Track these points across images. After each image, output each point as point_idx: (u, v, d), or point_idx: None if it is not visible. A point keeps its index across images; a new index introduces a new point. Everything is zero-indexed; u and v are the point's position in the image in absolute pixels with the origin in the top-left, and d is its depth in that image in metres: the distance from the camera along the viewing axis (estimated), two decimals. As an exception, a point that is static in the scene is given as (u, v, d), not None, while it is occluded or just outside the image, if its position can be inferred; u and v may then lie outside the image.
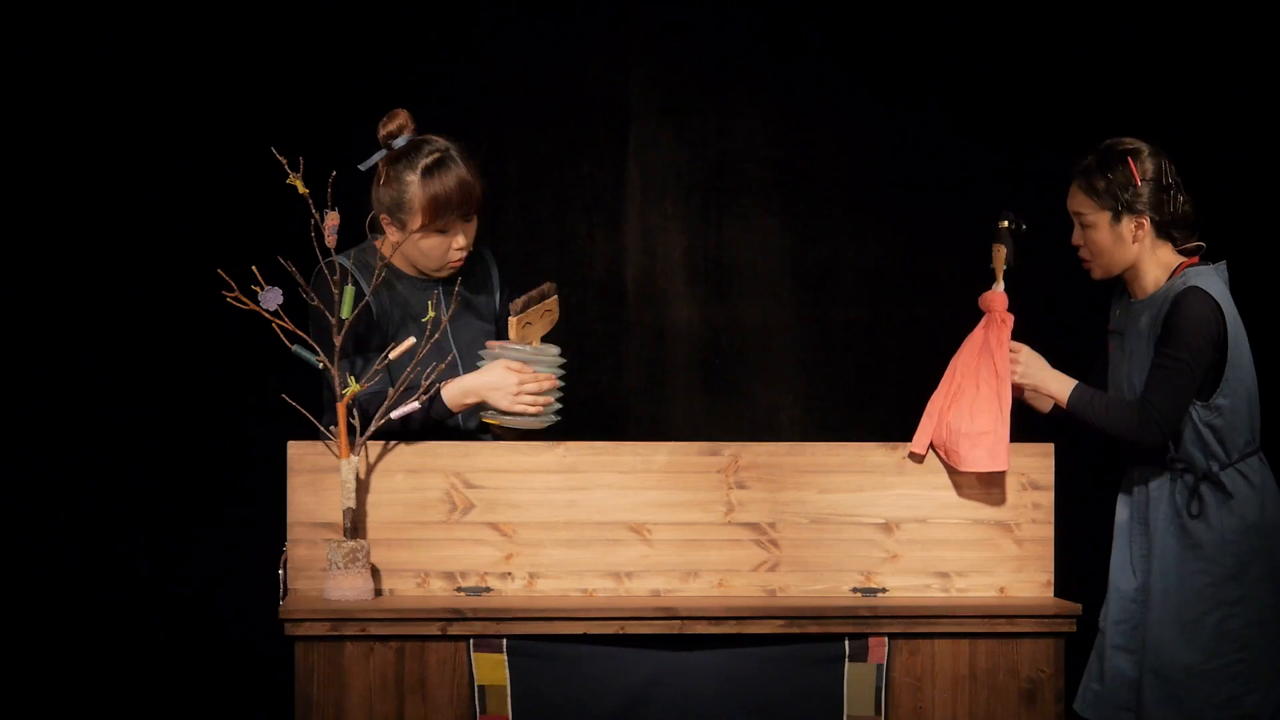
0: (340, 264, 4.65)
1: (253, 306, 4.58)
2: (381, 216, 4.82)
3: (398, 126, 4.81)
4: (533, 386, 4.69)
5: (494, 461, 4.65)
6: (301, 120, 6.12)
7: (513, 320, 4.73)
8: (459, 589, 4.63)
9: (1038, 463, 4.72)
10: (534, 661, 4.49)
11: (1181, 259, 4.95)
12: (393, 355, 4.63)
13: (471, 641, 4.49)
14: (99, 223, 6.13)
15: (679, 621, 4.51)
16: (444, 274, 4.86)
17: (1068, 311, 5.41)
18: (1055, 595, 4.73)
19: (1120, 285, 5.05)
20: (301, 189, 4.65)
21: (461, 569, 4.64)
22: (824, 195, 6.42)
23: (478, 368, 4.75)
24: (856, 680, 4.54)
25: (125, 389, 6.15)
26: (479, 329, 4.93)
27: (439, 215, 4.76)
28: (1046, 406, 4.93)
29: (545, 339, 4.82)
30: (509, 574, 4.64)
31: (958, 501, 4.70)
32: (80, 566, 6.13)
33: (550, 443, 4.69)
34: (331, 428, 4.61)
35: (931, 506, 4.70)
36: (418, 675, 4.49)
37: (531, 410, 4.69)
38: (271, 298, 4.57)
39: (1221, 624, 4.84)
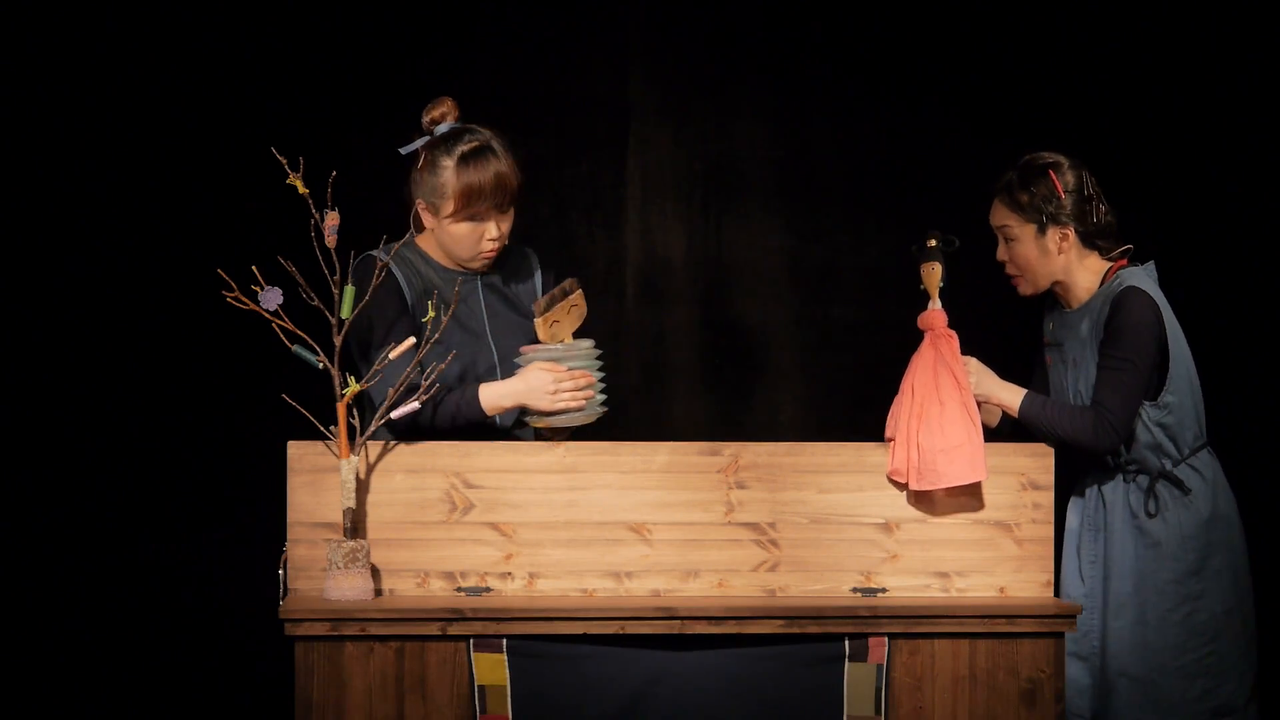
0: (378, 257, 4.68)
1: (253, 306, 4.58)
2: (418, 202, 4.82)
3: (441, 113, 4.82)
4: (569, 384, 4.68)
5: (494, 461, 4.65)
6: (301, 120, 6.12)
7: (539, 321, 4.72)
8: (459, 589, 4.63)
9: (1038, 463, 4.72)
10: (534, 661, 4.49)
11: (1110, 264, 4.99)
12: (393, 355, 4.63)
13: (471, 641, 4.49)
14: (99, 223, 6.13)
15: (679, 621, 4.51)
16: (477, 265, 4.86)
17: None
18: (1055, 595, 4.73)
19: (1050, 298, 5.09)
20: (301, 189, 4.65)
21: (461, 569, 4.64)
22: (824, 195, 6.42)
23: (516, 366, 4.74)
24: (856, 680, 4.54)
25: (125, 389, 6.15)
26: (519, 325, 4.93)
27: (471, 202, 4.76)
28: (994, 419, 4.94)
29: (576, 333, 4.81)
30: (509, 574, 4.64)
31: (958, 501, 4.70)
32: (80, 566, 6.13)
33: (550, 443, 4.69)
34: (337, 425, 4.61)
35: (932, 506, 4.70)
36: (418, 675, 4.49)
37: (573, 406, 4.68)
38: (271, 298, 4.57)
39: (1188, 619, 4.89)
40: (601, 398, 4.73)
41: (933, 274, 4.87)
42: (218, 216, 6.13)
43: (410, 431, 4.67)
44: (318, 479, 4.63)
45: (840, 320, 6.43)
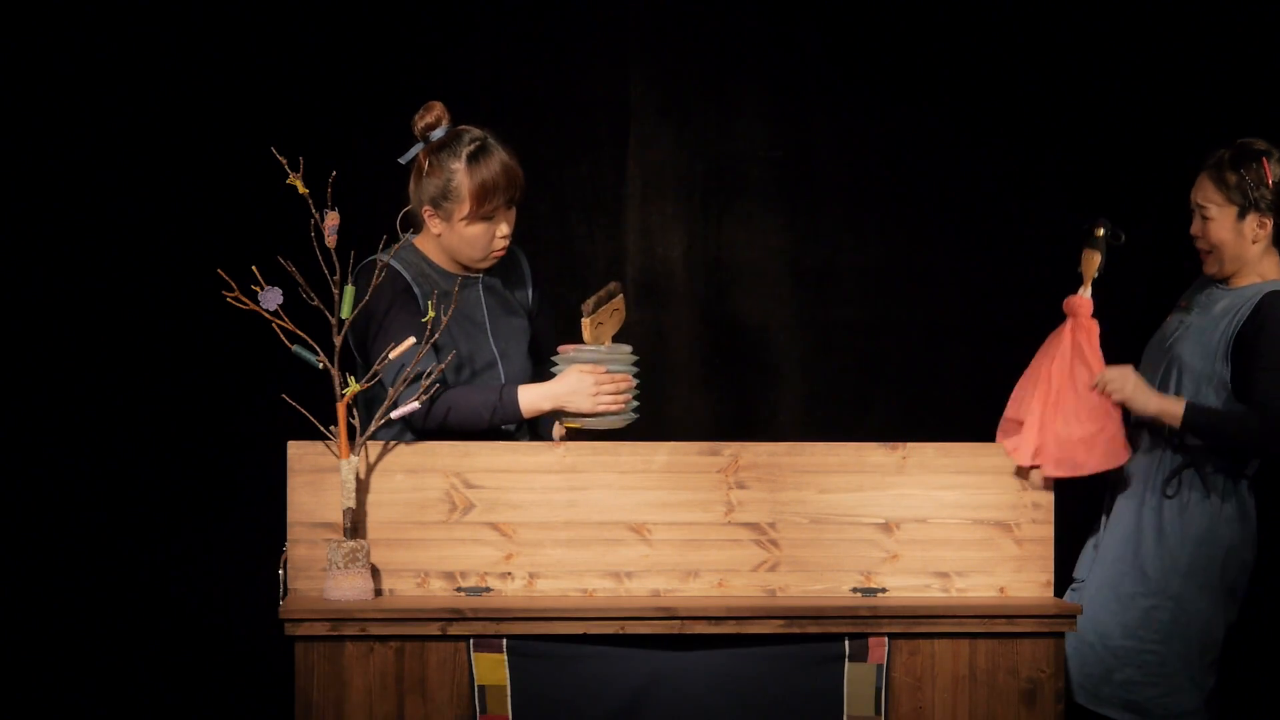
0: (390, 262, 4.68)
1: (253, 306, 4.58)
2: (424, 209, 4.81)
3: (435, 118, 4.82)
4: (610, 386, 4.69)
5: (494, 461, 4.65)
6: (301, 120, 6.12)
7: (586, 322, 4.73)
8: (459, 589, 4.63)
9: (1038, 463, 4.72)
10: (534, 661, 4.49)
11: None
12: (392, 355, 4.63)
13: (471, 641, 4.49)
14: (99, 223, 6.13)
15: (679, 621, 4.51)
16: (485, 265, 4.86)
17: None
18: (1055, 595, 4.73)
19: (1202, 277, 5.11)
20: (301, 189, 4.65)
21: (461, 569, 4.64)
22: (824, 195, 6.42)
23: (554, 371, 4.74)
24: (856, 680, 4.54)
25: (125, 389, 6.15)
26: (518, 326, 4.93)
27: (486, 200, 4.76)
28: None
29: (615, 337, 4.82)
30: (509, 574, 4.64)
31: (958, 501, 4.70)
32: (80, 566, 6.13)
33: (550, 443, 4.69)
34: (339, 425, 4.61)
35: (931, 506, 4.70)
36: (418, 675, 4.49)
37: (614, 408, 4.69)
38: (271, 298, 4.57)
39: (1150, 612, 4.90)
40: (635, 404, 4.75)
41: (1091, 261, 4.89)
42: (218, 216, 6.13)
43: (440, 432, 4.66)
44: (318, 479, 4.63)
45: (840, 320, 6.43)
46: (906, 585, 4.69)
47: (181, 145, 6.15)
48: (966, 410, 6.26)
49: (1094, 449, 4.69)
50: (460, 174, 4.77)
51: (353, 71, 6.21)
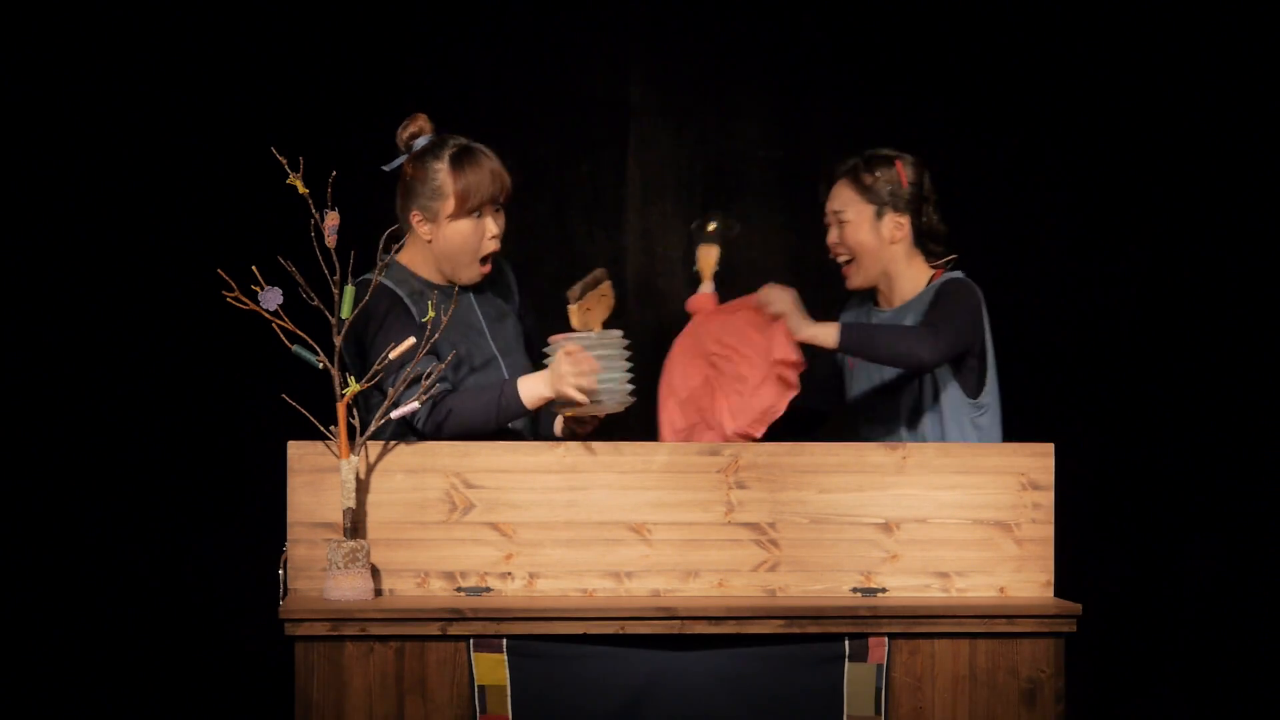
0: (387, 284, 4.69)
1: (253, 306, 4.58)
2: (412, 215, 4.83)
3: (418, 128, 4.85)
4: (585, 365, 4.63)
5: (494, 461, 4.65)
6: (301, 120, 6.12)
7: (573, 308, 4.73)
8: (459, 589, 4.63)
9: (1038, 463, 4.72)
10: (534, 661, 4.49)
11: (934, 270, 5.10)
12: (393, 355, 4.63)
13: (471, 641, 4.49)
14: (99, 223, 6.13)
15: (679, 621, 4.51)
16: (475, 275, 4.86)
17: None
18: (1055, 595, 4.73)
19: (858, 300, 5.14)
20: (301, 189, 4.65)
21: (461, 569, 4.64)
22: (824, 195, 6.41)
23: (545, 361, 4.73)
24: (856, 680, 4.54)
25: (126, 389, 6.15)
26: (513, 327, 4.95)
27: (471, 196, 4.79)
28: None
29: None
30: (509, 574, 4.64)
31: (958, 501, 4.70)
32: (80, 566, 6.13)
33: (550, 443, 4.69)
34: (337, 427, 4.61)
35: (931, 506, 4.70)
36: (418, 675, 4.49)
37: (587, 385, 4.62)
38: (271, 298, 4.57)
39: None
40: (630, 387, 4.72)
41: (709, 257, 4.89)
42: (218, 216, 6.12)
43: (453, 435, 4.66)
44: (318, 479, 4.63)
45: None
46: (906, 585, 4.69)
47: (181, 145, 6.15)
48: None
49: (766, 390, 4.72)
50: (444, 172, 4.79)
51: (353, 71, 6.21)
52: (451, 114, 6.26)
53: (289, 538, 4.63)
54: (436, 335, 4.67)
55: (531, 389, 4.67)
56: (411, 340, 4.65)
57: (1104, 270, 6.38)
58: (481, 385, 4.78)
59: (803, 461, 4.69)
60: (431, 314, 4.67)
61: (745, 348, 4.83)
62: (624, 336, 4.76)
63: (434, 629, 4.48)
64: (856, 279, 5.12)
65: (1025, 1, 6.35)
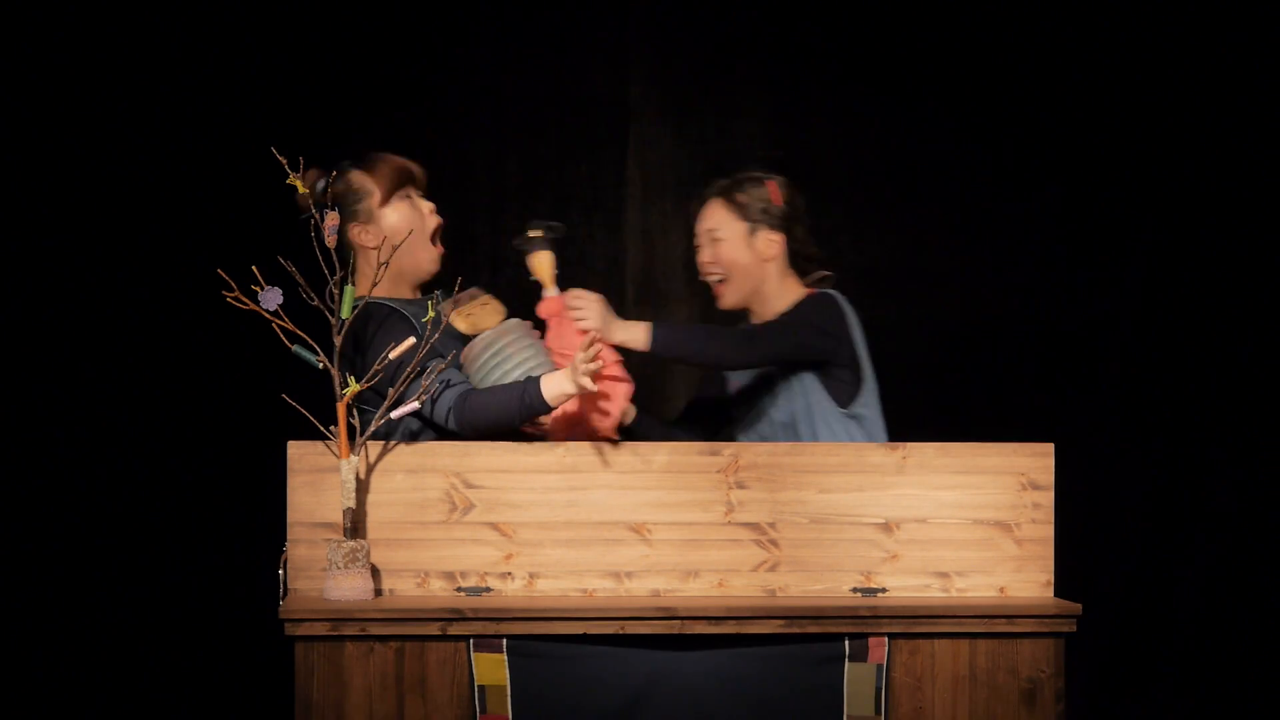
0: (372, 299, 4.69)
1: (253, 306, 4.58)
2: (352, 232, 4.81)
3: (314, 176, 4.79)
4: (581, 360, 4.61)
5: (494, 461, 4.65)
6: (301, 120, 6.12)
7: (456, 318, 4.73)
8: (459, 589, 4.63)
9: (1038, 463, 4.72)
10: (534, 661, 4.49)
11: (807, 289, 5.12)
12: (393, 355, 4.63)
13: (471, 641, 4.49)
14: (99, 223, 6.13)
15: (679, 621, 4.51)
16: (433, 256, 4.86)
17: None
18: (1055, 595, 4.73)
19: (736, 322, 5.16)
20: (302, 189, 4.65)
21: (461, 569, 4.64)
22: (824, 195, 6.42)
23: (474, 375, 4.74)
24: (856, 680, 4.54)
25: (125, 389, 6.15)
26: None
27: (390, 173, 4.82)
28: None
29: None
30: (509, 574, 4.64)
31: (958, 501, 4.70)
32: (80, 566, 6.13)
33: (550, 443, 4.69)
34: (332, 425, 4.60)
35: (931, 506, 4.70)
36: (418, 675, 4.49)
37: (593, 368, 4.61)
38: (271, 298, 4.57)
39: None
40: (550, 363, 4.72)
41: (544, 263, 4.87)
42: (218, 216, 6.12)
43: (475, 432, 4.65)
44: (318, 479, 4.63)
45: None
46: (906, 585, 4.69)
47: (182, 145, 6.15)
48: (966, 410, 6.26)
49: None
50: (354, 175, 4.84)
51: (353, 71, 6.21)
52: (452, 114, 6.29)
53: (289, 538, 4.63)
54: (438, 335, 4.66)
55: (554, 386, 4.63)
56: (411, 340, 4.65)
57: (1104, 270, 6.38)
58: (504, 385, 4.75)
59: (803, 461, 4.69)
60: (431, 313, 4.67)
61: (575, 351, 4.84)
62: (522, 320, 4.76)
63: (434, 629, 4.48)
64: (729, 298, 5.12)
65: (1025, 1, 6.35)
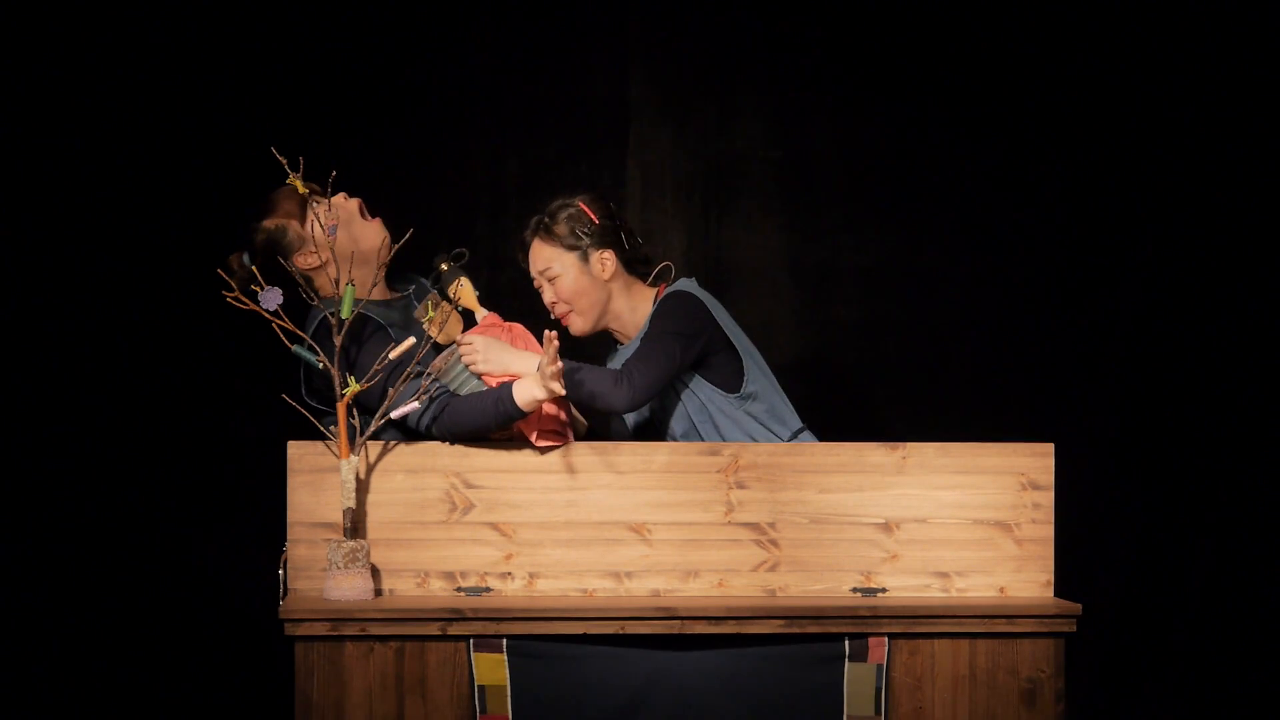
0: (363, 311, 4.67)
1: (253, 306, 4.58)
2: (297, 261, 4.75)
3: (238, 264, 4.77)
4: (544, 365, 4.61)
5: (494, 461, 4.65)
6: (301, 120, 6.12)
7: (429, 326, 4.73)
8: (459, 589, 4.63)
9: (1038, 463, 4.72)
10: (534, 661, 4.49)
11: (656, 289, 5.07)
12: (393, 355, 4.63)
13: (471, 641, 4.49)
14: (99, 223, 6.13)
15: (679, 621, 4.51)
16: (377, 232, 4.82)
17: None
18: (1055, 595, 4.73)
19: (609, 342, 5.13)
20: (301, 189, 4.65)
21: (461, 569, 4.64)
22: (824, 195, 6.42)
23: (453, 384, 4.74)
24: (856, 680, 4.54)
25: (126, 389, 6.15)
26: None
27: (293, 198, 4.75)
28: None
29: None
30: (509, 574, 4.64)
31: (958, 501, 4.70)
32: (81, 566, 6.13)
33: (550, 444, 4.69)
34: (330, 425, 4.61)
35: (931, 506, 4.70)
36: (418, 675, 4.49)
37: (561, 386, 4.63)
38: (271, 298, 4.57)
39: None
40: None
41: (466, 290, 4.87)
42: (218, 216, 6.12)
43: (452, 436, 4.65)
44: (318, 479, 4.63)
45: (840, 320, 6.42)
46: (906, 585, 4.69)
47: (182, 145, 6.14)
48: (966, 410, 6.26)
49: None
50: (265, 224, 4.76)
51: (353, 71, 6.21)
52: (453, 114, 6.29)
53: (289, 538, 4.63)
54: (438, 335, 4.67)
55: (526, 392, 4.64)
56: (411, 340, 4.65)
57: (1104, 270, 6.37)
58: (480, 393, 4.75)
59: (803, 461, 4.69)
60: (431, 313, 4.67)
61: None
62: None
63: (434, 629, 4.48)
64: (579, 325, 5.05)
65: (1025, 1, 6.35)
